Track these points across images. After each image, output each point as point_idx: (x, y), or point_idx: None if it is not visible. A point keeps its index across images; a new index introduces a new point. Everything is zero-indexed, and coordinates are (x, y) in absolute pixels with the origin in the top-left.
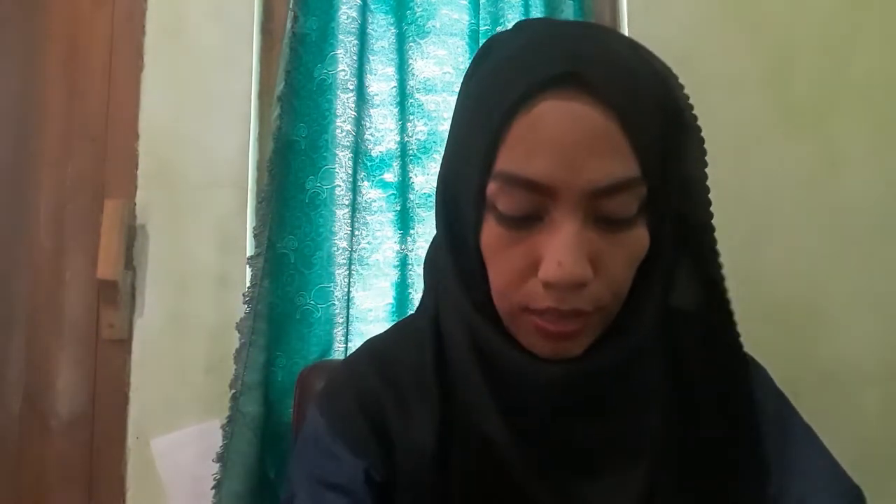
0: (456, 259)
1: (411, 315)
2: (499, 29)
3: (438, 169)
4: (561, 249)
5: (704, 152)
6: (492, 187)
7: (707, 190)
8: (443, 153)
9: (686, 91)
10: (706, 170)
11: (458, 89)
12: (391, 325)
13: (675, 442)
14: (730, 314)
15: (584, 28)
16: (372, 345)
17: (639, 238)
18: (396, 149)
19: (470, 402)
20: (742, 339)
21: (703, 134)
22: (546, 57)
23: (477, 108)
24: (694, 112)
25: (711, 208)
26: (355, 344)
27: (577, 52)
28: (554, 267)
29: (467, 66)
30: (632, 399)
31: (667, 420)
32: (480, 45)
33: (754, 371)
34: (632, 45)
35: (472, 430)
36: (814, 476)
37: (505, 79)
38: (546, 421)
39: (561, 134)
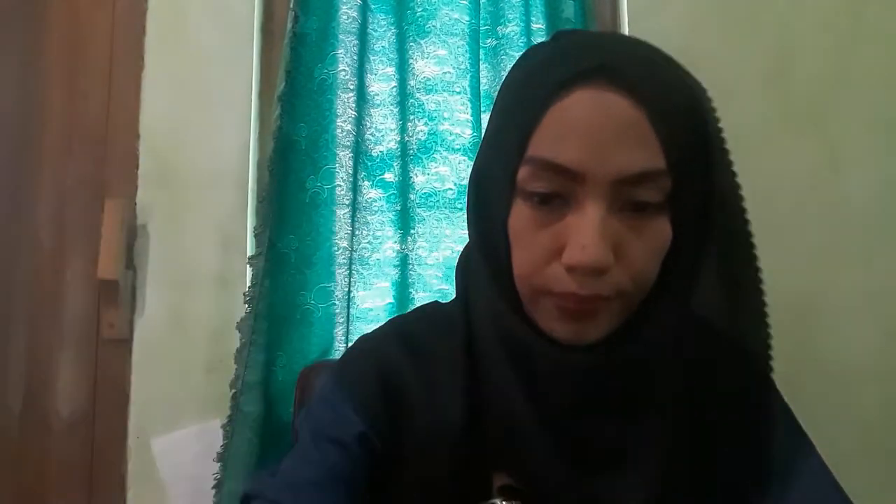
0: (485, 248)
1: (435, 303)
2: (499, 29)
3: (441, 170)
4: (586, 234)
5: (731, 163)
6: (523, 171)
7: (740, 199)
8: (478, 149)
9: (716, 112)
10: (736, 180)
11: (458, 89)
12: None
13: (686, 449)
14: (761, 324)
15: (621, 36)
16: (396, 322)
17: (661, 229)
18: (397, 148)
19: (497, 385)
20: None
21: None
22: (580, 53)
23: (513, 100)
24: (721, 132)
25: (747, 216)
26: None
27: (612, 49)
28: (578, 251)
29: (468, 65)
30: (650, 399)
31: (681, 426)
32: (480, 44)
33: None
34: (666, 58)
35: (500, 407)
36: (811, 495)
37: (541, 74)
38: (567, 411)
39: (592, 122)
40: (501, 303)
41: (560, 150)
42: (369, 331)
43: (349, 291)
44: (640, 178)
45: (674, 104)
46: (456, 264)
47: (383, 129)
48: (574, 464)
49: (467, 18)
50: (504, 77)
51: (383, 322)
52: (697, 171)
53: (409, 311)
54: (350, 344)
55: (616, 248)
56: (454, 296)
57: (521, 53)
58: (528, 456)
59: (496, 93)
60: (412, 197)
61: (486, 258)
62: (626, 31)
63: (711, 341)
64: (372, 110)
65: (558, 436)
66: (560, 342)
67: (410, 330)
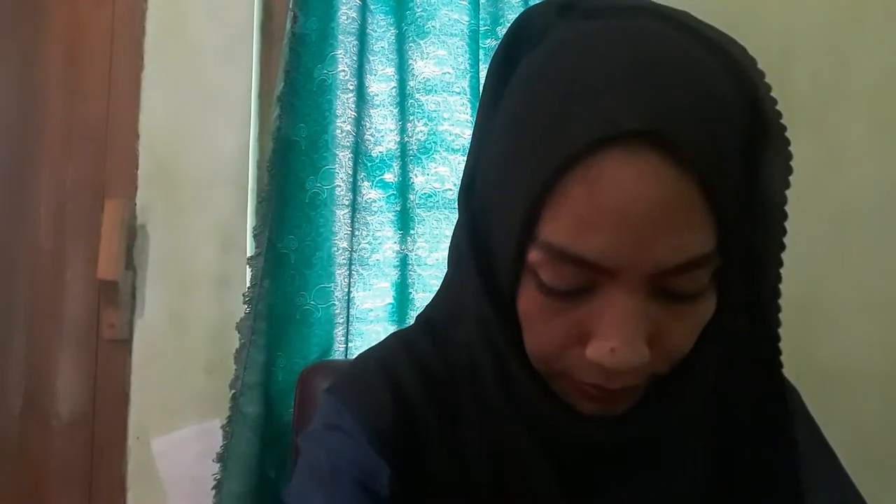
0: (489, 300)
1: (434, 320)
2: (499, 29)
3: (441, 171)
4: (616, 332)
5: (790, 170)
6: (534, 255)
7: (785, 216)
8: (482, 160)
9: (772, 92)
10: (787, 192)
11: (458, 89)
12: (393, 326)
13: (714, 491)
14: (775, 347)
15: (670, 49)
16: (418, 358)
17: (706, 308)
18: (396, 149)
19: (511, 450)
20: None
21: (791, 148)
22: (619, 102)
23: (524, 139)
24: (781, 121)
25: (785, 239)
26: (356, 344)
27: (660, 97)
28: (606, 353)
29: (467, 66)
30: (677, 451)
31: (708, 470)
32: (480, 45)
33: (790, 398)
34: (716, 49)
35: (517, 474)
36: None
37: (562, 117)
38: (585, 474)
39: (627, 203)
40: (514, 363)
41: (583, 240)
42: (370, 347)
43: (349, 292)
44: (687, 268)
45: (730, 153)
46: (446, 280)
47: (383, 130)
48: None
49: (467, 19)
50: (526, 69)
51: (383, 322)
52: (746, 224)
53: (412, 327)
54: (350, 344)
55: (652, 335)
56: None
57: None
58: None
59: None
60: (412, 197)
61: (492, 316)
62: None
63: (735, 368)
64: (371, 111)
65: (581, 498)
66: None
67: (429, 367)
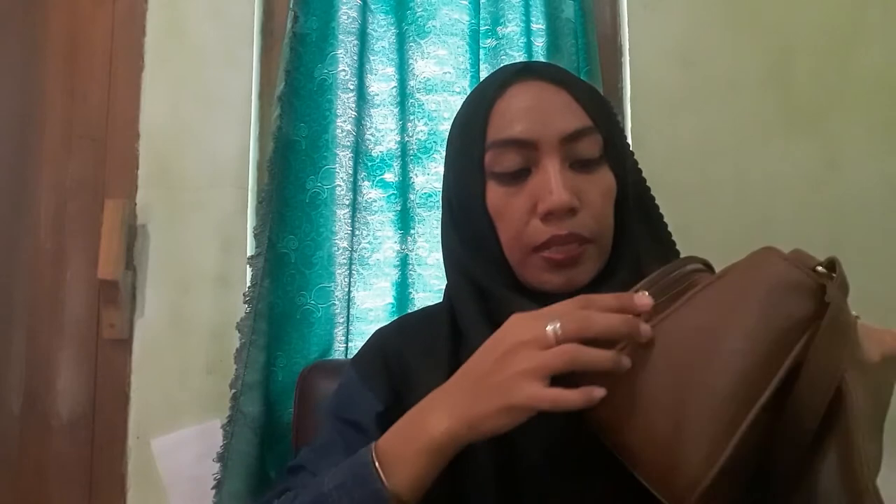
0: (469, 232)
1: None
2: (499, 29)
3: (441, 170)
4: (550, 183)
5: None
6: (488, 156)
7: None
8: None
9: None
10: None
11: (458, 89)
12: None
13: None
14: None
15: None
16: (400, 318)
17: (606, 178)
18: (397, 149)
19: (477, 344)
20: None
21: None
22: (507, 67)
23: (465, 113)
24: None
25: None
26: (356, 344)
27: (535, 62)
28: (548, 196)
29: (468, 66)
30: None
31: None
32: (480, 44)
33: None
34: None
35: None
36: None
37: (481, 91)
38: None
39: (531, 103)
40: (487, 276)
41: (513, 128)
42: (376, 328)
43: (349, 291)
44: (579, 135)
45: (583, 86)
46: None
47: (383, 130)
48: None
49: (467, 18)
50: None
51: (383, 322)
52: (615, 129)
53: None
54: (350, 343)
55: (577, 195)
56: None
57: (520, 54)
58: None
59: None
60: (412, 197)
61: (471, 240)
62: (625, 31)
63: None
64: (372, 110)
65: None
66: (549, 294)
67: (407, 320)
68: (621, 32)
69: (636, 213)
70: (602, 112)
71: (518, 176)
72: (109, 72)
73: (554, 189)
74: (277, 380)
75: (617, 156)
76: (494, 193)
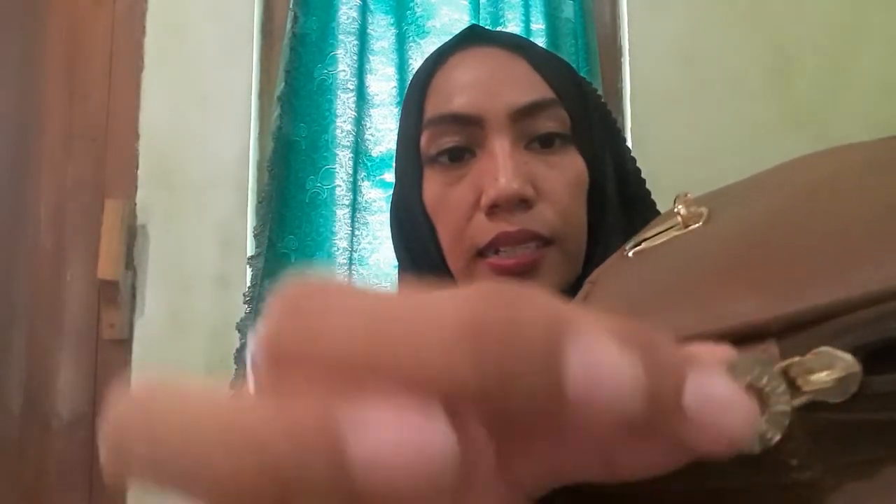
0: (406, 238)
1: None
2: (499, 29)
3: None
4: (497, 168)
5: (613, 119)
6: (424, 137)
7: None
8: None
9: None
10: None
11: None
12: None
13: None
14: None
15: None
16: None
17: (573, 162)
18: None
19: None
20: None
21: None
22: (450, 37)
23: (406, 96)
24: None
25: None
26: None
27: (480, 27)
28: (493, 183)
29: None
30: None
31: None
32: None
33: None
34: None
35: None
36: None
37: (423, 64)
38: None
39: (475, 72)
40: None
41: (451, 102)
42: None
43: None
44: (535, 108)
45: (545, 52)
46: None
47: (383, 130)
48: None
49: (467, 18)
50: None
51: None
52: (588, 106)
53: None
54: None
55: (534, 182)
56: None
57: None
58: None
59: None
60: None
61: (414, 246)
62: (625, 31)
63: None
64: (372, 111)
65: None
66: None
67: None
68: (621, 32)
69: (619, 209)
70: (569, 84)
71: (458, 160)
72: (109, 72)
73: (501, 174)
74: None
75: (589, 138)
76: (431, 184)
